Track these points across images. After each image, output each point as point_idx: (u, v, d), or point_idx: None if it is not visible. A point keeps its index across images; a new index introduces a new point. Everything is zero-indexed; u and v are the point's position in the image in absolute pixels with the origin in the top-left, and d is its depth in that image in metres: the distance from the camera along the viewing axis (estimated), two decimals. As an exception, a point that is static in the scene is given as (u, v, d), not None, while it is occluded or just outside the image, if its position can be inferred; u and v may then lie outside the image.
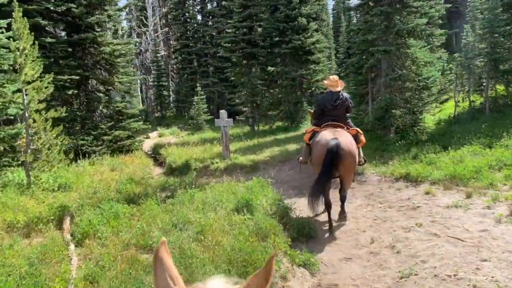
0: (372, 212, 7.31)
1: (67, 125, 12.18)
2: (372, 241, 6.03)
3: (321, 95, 8.16)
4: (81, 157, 11.53)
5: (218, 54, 25.69)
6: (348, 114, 7.15)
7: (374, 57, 12.94)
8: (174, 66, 33.00)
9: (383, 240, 5.98)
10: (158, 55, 31.84)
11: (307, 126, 18.65)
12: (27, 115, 8.80)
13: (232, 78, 21.51)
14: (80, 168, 10.89)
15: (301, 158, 7.60)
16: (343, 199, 6.82)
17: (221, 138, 12.11)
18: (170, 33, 33.69)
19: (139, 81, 34.27)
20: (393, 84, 12.85)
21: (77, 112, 12.06)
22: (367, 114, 14.19)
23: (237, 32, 19.96)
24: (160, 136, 23.32)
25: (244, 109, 20.57)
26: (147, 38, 31.58)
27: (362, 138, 7.00)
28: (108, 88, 13.21)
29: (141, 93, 33.40)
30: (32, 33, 8.97)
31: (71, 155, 10.16)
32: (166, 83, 33.61)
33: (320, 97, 7.51)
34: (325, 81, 7.09)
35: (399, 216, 6.86)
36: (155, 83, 30.33)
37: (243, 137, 15.76)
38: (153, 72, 30.87)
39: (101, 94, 13.14)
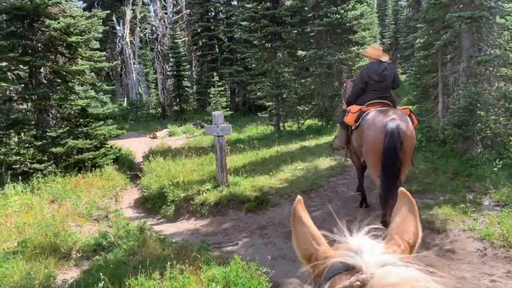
0: None
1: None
2: None
3: (365, 66, 6.55)
4: (9, 179, 7.88)
5: (237, 37, 21.48)
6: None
7: (451, 29, 8.46)
8: (196, 52, 29.27)
9: None
10: (179, 40, 28.17)
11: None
12: None
13: (253, 65, 17.39)
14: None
15: (335, 142, 6.68)
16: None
17: (215, 153, 8.12)
18: (193, 16, 29.91)
19: (158, 70, 30.90)
20: (481, 71, 8.35)
21: (12, 115, 8.39)
22: (435, 116, 9.73)
23: (258, 6, 15.76)
24: (170, 135, 19.66)
25: (268, 104, 16.46)
26: (164, 21, 27.92)
27: (415, 119, 5.87)
28: (69, 80, 9.48)
29: (157, 84, 30.05)
30: None
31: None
32: (189, 72, 30.00)
33: (363, 68, 6.22)
34: (367, 51, 6.10)
35: None
36: (174, 72, 26.66)
37: (258, 144, 11.66)
38: (171, 60, 27.21)
39: (60, 87, 9.42)
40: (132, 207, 8.48)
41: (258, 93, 16.94)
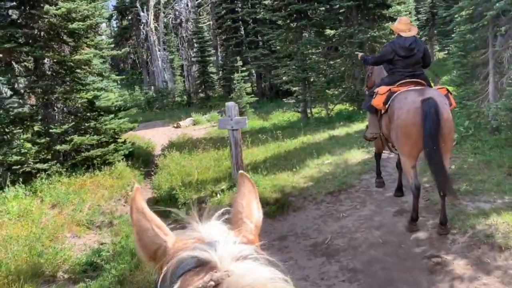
0: None
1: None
2: None
3: (390, 41, 6.04)
4: (8, 182, 7.27)
5: (261, 18, 20.24)
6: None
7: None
8: (221, 36, 28.27)
9: None
10: (203, 25, 27.29)
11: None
12: None
13: (278, 48, 16.25)
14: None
15: (368, 132, 5.81)
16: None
17: (229, 149, 7.21)
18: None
19: (183, 56, 30.20)
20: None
21: (11, 111, 7.73)
22: (485, 99, 8.41)
23: (281, -17, 14.57)
24: (194, 124, 18.96)
25: (294, 89, 15.37)
26: (188, 5, 27.02)
27: (453, 100, 4.97)
28: (74, 70, 8.75)
29: (183, 70, 29.37)
30: None
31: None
32: (214, 58, 29.15)
33: (388, 43, 5.58)
34: (394, 24, 5.34)
35: None
36: (198, 58, 25.83)
37: (281, 135, 10.66)
38: (195, 45, 26.37)
39: (65, 79, 8.74)
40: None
41: (284, 78, 15.84)
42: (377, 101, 5.14)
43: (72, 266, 4.73)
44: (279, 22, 15.60)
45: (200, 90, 26.26)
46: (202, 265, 0.70)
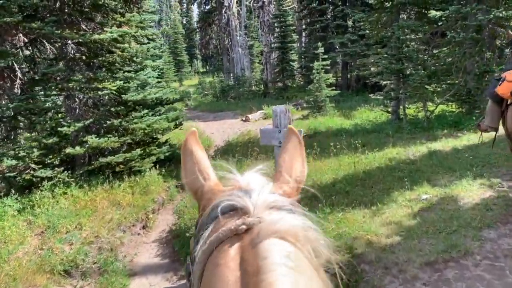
0: None
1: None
2: None
3: None
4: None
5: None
6: None
7: None
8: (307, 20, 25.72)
9: None
10: (287, 7, 24.98)
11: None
12: None
13: (367, 32, 13.41)
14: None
15: (484, 121, 4.82)
16: None
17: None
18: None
19: (263, 42, 28.18)
20: None
21: (11, 104, 6.16)
22: None
23: (376, -50, 11.69)
24: (264, 118, 16.88)
25: (384, 82, 12.51)
26: (271, -15, 24.81)
27: None
28: (104, 53, 7.03)
29: (261, 56, 27.39)
30: None
31: None
32: (296, 44, 26.76)
33: None
34: None
35: None
36: (279, 44, 23.56)
37: (359, 145, 8.04)
38: (276, 30, 24.12)
39: (87, 65, 7.07)
40: (160, 242, 5.78)
41: (372, 68, 13.03)
42: (504, 89, 4.30)
43: None
44: (371, 1, 12.76)
45: (278, 79, 24.05)
46: (236, 210, 0.72)
